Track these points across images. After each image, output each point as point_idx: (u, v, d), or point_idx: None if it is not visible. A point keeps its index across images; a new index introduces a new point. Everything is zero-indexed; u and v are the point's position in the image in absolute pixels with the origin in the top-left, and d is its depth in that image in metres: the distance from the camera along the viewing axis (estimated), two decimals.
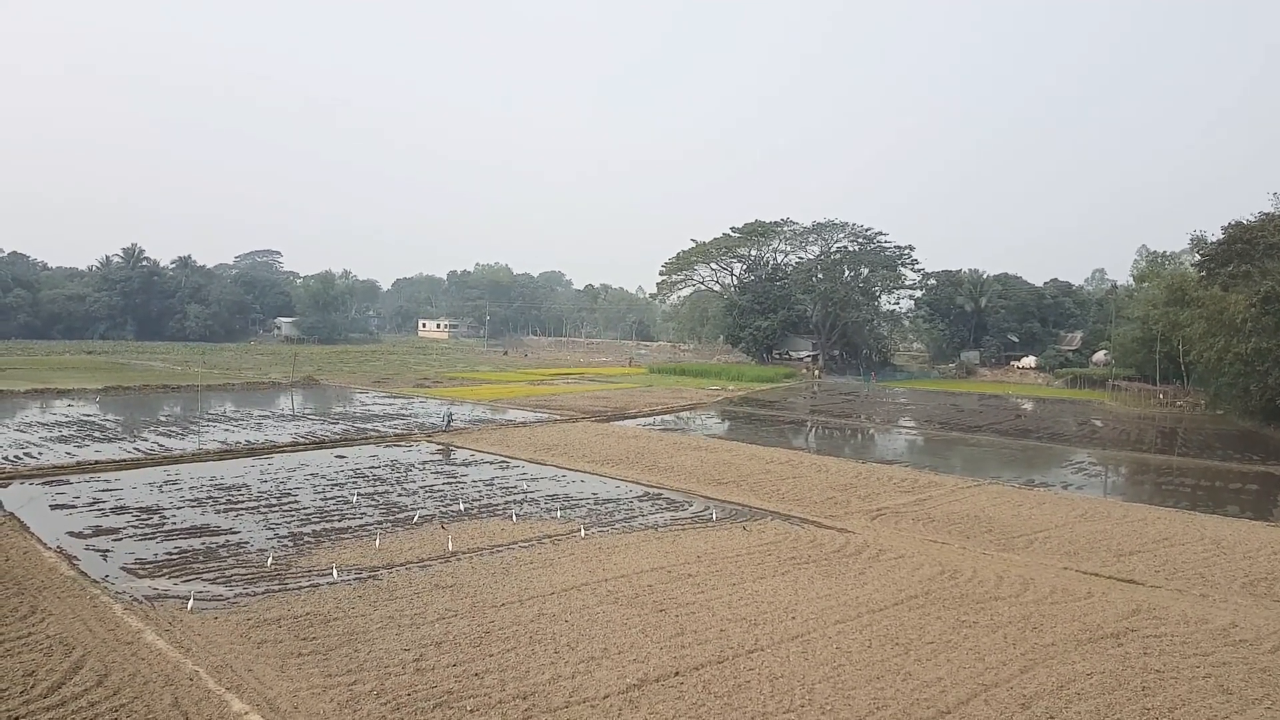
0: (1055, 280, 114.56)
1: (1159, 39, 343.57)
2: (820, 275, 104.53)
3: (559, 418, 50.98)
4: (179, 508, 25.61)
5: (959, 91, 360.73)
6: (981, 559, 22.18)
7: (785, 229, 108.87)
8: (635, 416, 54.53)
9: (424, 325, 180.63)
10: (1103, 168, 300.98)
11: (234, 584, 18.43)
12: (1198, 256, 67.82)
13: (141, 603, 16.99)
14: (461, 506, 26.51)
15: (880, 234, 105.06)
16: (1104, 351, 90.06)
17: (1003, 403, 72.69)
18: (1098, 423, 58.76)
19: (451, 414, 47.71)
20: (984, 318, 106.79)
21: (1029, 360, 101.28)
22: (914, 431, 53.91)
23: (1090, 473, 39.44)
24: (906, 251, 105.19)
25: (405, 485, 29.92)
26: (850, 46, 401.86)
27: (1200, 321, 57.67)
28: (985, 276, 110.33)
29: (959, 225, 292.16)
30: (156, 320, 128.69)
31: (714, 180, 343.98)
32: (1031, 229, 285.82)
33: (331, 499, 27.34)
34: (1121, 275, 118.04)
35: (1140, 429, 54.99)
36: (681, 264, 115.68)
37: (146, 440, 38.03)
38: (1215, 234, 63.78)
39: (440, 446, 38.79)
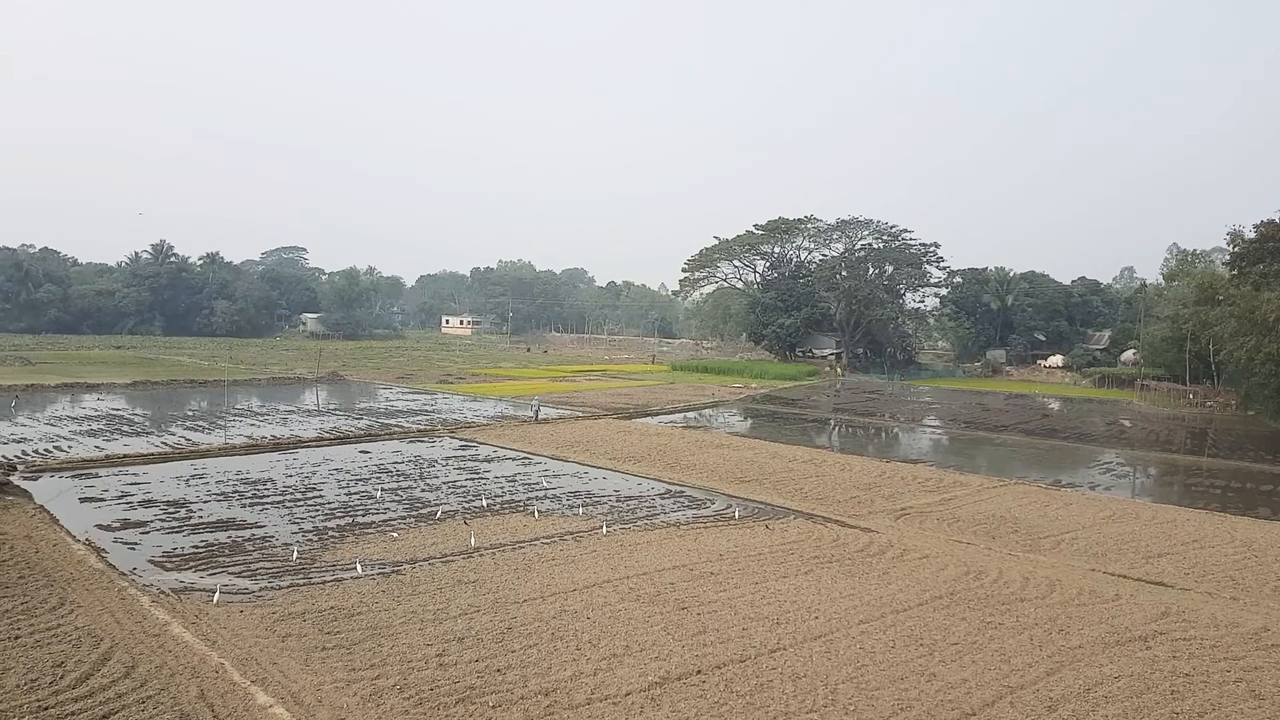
0: (1083, 279, 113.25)
1: (1181, 24, 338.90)
2: (844, 273, 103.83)
3: (581, 414, 51.06)
4: (205, 501, 25.91)
5: (973, 79, 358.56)
6: (1007, 560, 21.95)
7: (809, 226, 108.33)
8: (657, 414, 54.49)
9: (447, 322, 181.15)
10: (1131, 151, 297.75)
11: (259, 577, 18.60)
12: (1231, 253, 66.77)
13: (168, 595, 17.17)
14: (484, 502, 26.60)
15: (905, 231, 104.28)
16: (1132, 350, 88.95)
17: (1029, 402, 71.93)
18: (1126, 423, 57.99)
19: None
20: (1010, 316, 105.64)
21: (1056, 359, 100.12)
22: (939, 431, 53.49)
23: (1118, 473, 38.92)
24: (931, 249, 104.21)
25: (428, 481, 30.06)
26: (866, 33, 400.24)
27: (1231, 320, 56.77)
28: (1012, 274, 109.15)
29: (978, 214, 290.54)
30: (184, 316, 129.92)
31: (731, 172, 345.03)
32: (1053, 221, 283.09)
33: (355, 494, 27.54)
34: (1151, 274, 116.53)
35: (1169, 429, 54.23)
36: (704, 261, 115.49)
37: (174, 434, 38.49)
38: (1249, 230, 62.71)
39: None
